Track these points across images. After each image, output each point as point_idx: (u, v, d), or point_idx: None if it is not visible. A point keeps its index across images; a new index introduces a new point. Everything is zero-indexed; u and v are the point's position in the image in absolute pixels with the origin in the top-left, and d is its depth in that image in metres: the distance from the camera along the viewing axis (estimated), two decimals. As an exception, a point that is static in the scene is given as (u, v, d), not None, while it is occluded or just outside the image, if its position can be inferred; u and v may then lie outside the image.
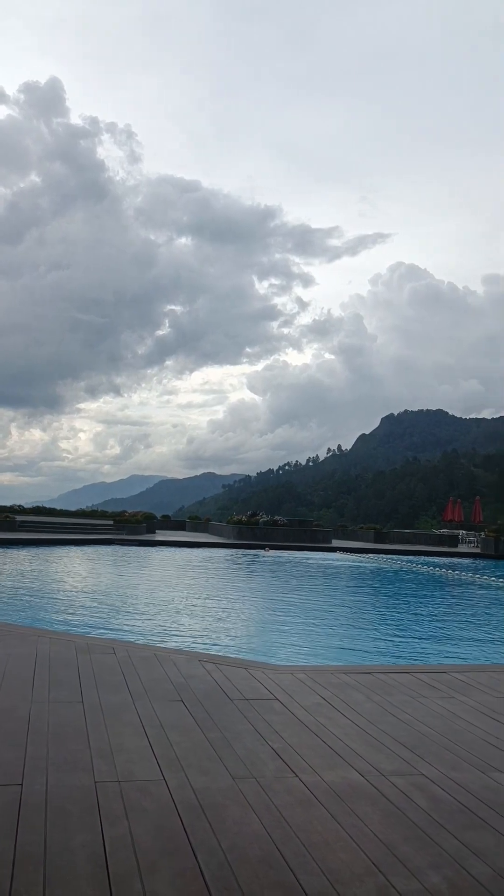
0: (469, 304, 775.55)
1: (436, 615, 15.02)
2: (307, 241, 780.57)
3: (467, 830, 3.38)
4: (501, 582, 21.84)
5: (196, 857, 2.96)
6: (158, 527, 39.99)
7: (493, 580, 22.40)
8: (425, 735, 4.79)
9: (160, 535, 35.08)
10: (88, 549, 26.80)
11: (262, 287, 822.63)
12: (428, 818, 3.49)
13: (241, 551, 29.80)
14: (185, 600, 14.51)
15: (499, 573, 25.15)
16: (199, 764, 4.02)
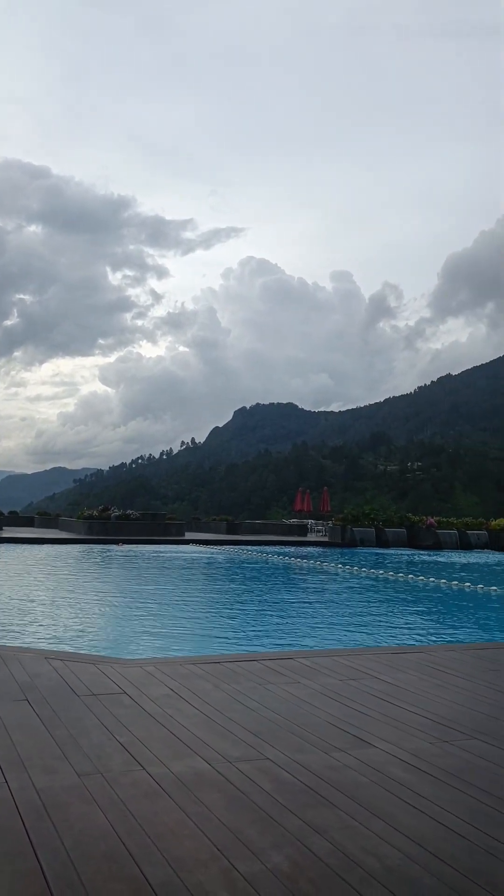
0: (319, 300, 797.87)
1: (283, 603, 15.39)
2: (161, 233, 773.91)
3: (309, 809, 3.49)
4: (346, 569, 22.65)
5: (38, 858, 2.89)
6: (5, 523, 38.61)
7: (339, 567, 23.20)
8: (271, 720, 4.90)
9: (7, 532, 33.91)
10: None
11: (115, 278, 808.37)
12: (272, 800, 3.58)
13: (92, 546, 29.31)
14: (33, 597, 14.12)
15: (344, 560, 26.07)
16: (44, 763, 3.93)
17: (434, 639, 11.16)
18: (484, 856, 3.03)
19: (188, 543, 32.74)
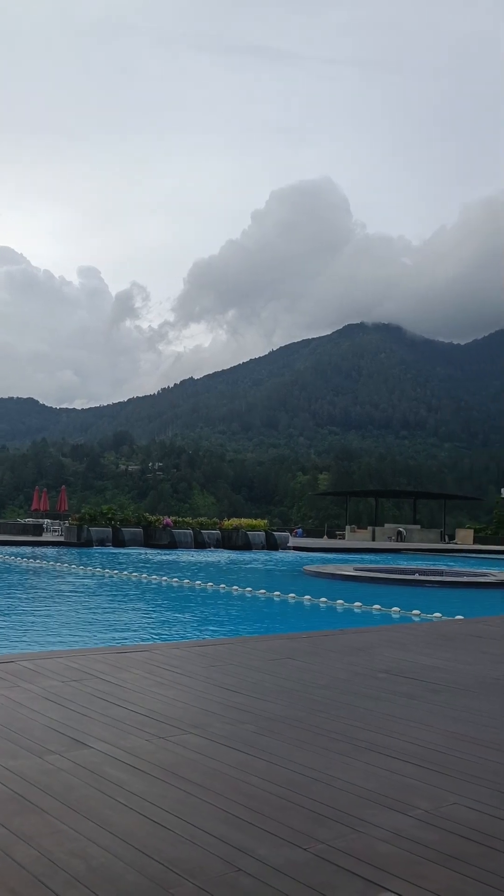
0: (65, 295, 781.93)
1: (11, 604, 14.88)
2: None
3: (17, 817, 3.39)
4: (80, 569, 22.39)
5: None
6: None
7: (73, 567, 22.87)
8: (-15, 727, 4.70)
9: None
10: None
11: None
12: (-23, 812, 3.43)
13: None
14: None
15: (78, 560, 25.76)
16: None
17: (161, 637, 11.37)
18: (187, 846, 3.13)
19: None
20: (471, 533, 63.24)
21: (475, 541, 60.22)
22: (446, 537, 62.63)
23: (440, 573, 23.86)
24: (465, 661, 7.65)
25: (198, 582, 19.14)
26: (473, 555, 42.69)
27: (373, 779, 3.97)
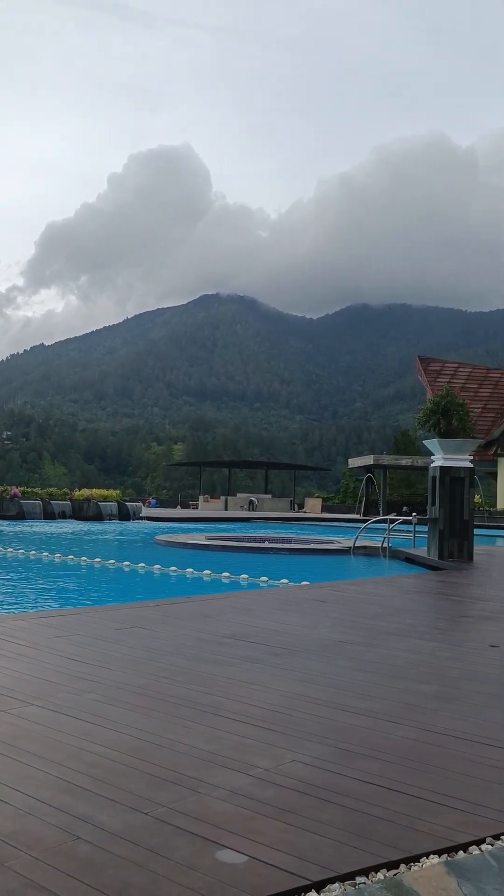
0: None
1: None
2: None
3: None
4: None
5: None
6: None
7: None
8: None
9: None
10: None
11: None
12: None
13: None
14: None
15: None
16: None
17: (5, 610, 11.06)
18: (25, 818, 3.08)
19: None
20: (319, 502, 65.30)
21: (323, 509, 62.21)
22: (296, 506, 64.37)
23: (289, 541, 24.51)
24: (308, 624, 7.93)
25: (45, 553, 18.72)
26: (321, 523, 44.11)
27: (214, 741, 4.05)
